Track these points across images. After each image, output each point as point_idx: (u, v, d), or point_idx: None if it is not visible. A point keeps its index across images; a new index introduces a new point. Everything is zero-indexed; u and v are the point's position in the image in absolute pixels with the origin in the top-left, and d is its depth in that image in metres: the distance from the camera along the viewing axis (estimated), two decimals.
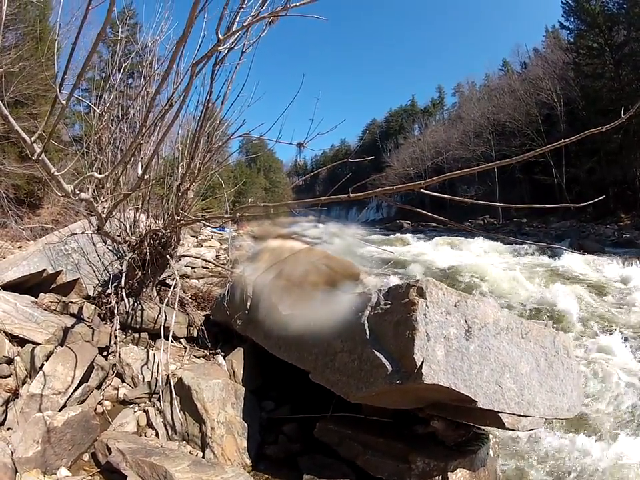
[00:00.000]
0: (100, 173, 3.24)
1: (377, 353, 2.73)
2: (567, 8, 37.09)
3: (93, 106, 4.36)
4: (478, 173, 46.31)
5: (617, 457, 3.74)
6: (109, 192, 4.07)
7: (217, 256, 11.51)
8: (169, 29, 4.68)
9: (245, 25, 2.66)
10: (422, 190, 2.28)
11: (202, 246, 12.39)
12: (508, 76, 51.97)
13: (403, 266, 11.55)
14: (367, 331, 2.89)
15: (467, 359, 2.62)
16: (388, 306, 2.87)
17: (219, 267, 5.83)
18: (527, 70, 47.09)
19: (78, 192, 2.49)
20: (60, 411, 3.11)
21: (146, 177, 3.81)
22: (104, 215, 3.63)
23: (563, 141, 2.24)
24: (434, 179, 2.39)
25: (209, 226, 6.17)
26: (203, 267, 7.62)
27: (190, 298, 5.34)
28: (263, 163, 70.07)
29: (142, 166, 4.32)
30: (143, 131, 3.31)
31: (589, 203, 2.52)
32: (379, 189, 2.65)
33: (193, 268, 7.49)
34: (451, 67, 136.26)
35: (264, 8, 2.88)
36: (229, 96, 4.47)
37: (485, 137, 46.09)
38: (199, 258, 6.65)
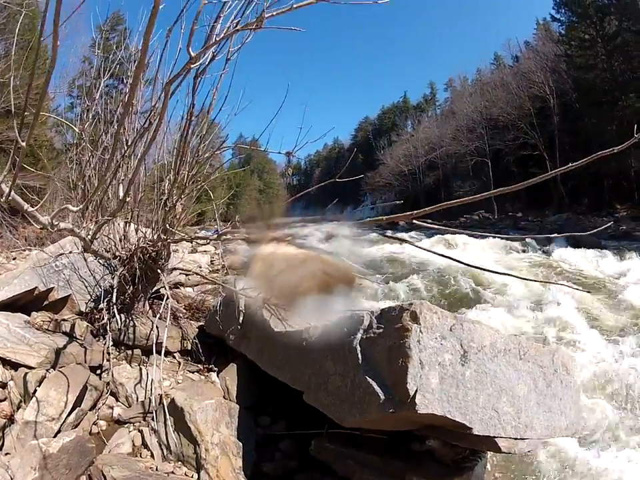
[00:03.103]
0: (84, 195, 3.19)
1: (370, 380, 2.67)
2: (558, 0, 37.10)
3: (73, 126, 4.30)
4: (472, 167, 46.46)
5: (616, 466, 3.72)
6: (93, 213, 4.02)
7: (211, 261, 11.44)
8: (154, 36, 4.62)
9: (217, 39, 2.60)
10: (414, 220, 2.23)
11: (197, 251, 12.29)
12: (500, 70, 52.04)
13: (399, 267, 11.48)
14: (359, 356, 2.82)
15: (462, 385, 2.56)
16: (381, 330, 2.80)
17: (210, 280, 5.78)
18: (519, 63, 47.06)
19: (56, 223, 2.44)
20: (55, 436, 3.11)
21: (128, 199, 3.75)
22: (89, 238, 3.58)
23: (581, 162, 2.17)
24: (426, 209, 2.33)
25: (199, 244, 6.10)
26: (196, 274, 7.56)
27: (184, 308, 5.31)
28: (256, 164, 70.16)
29: (123, 188, 4.27)
30: (117, 154, 3.25)
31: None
32: (368, 218, 2.60)
33: (187, 275, 7.42)
34: (441, 62, 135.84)
35: (242, 19, 2.82)
36: (215, 105, 4.41)
37: (478, 131, 46.01)
38: (189, 272, 6.61)
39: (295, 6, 2.22)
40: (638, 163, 26.96)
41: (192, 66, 2.50)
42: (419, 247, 3.27)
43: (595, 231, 2.75)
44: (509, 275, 2.88)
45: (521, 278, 3.01)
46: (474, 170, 46.76)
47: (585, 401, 4.48)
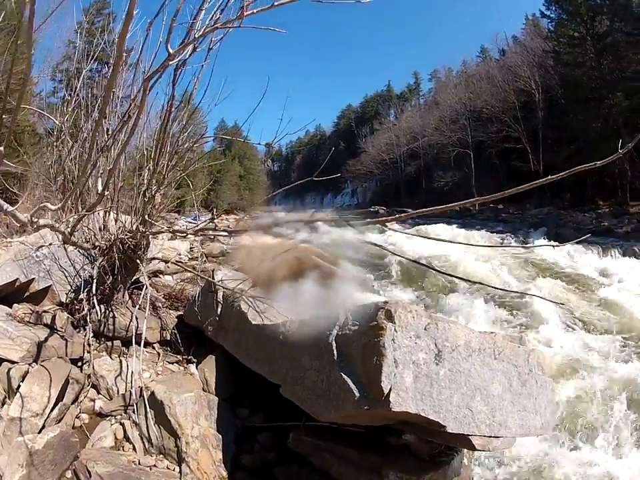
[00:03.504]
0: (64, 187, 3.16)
1: (345, 377, 2.69)
2: None
3: (53, 119, 4.26)
4: (454, 158, 46.50)
5: (591, 463, 3.82)
6: (73, 205, 3.99)
7: (191, 248, 11.33)
8: (137, 22, 4.55)
9: (196, 36, 2.59)
10: (389, 226, 2.25)
11: (176, 238, 12.18)
12: (486, 62, 51.99)
13: (377, 257, 11.44)
14: (335, 352, 2.85)
15: (436, 384, 2.59)
16: (356, 327, 2.83)
17: (189, 270, 5.76)
18: (506, 57, 46.99)
19: (36, 220, 2.43)
20: (39, 432, 3.13)
21: (107, 192, 3.73)
22: (68, 231, 3.56)
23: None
24: (402, 215, 2.36)
25: (177, 236, 6.07)
26: (175, 264, 7.51)
27: (163, 298, 5.30)
28: (237, 150, 69.45)
29: (102, 181, 4.24)
30: (97, 140, 3.22)
31: None
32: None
33: (166, 262, 7.38)
34: (427, 54, 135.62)
35: (223, 14, 2.79)
36: (196, 95, 4.38)
37: (461, 122, 45.90)
38: (168, 261, 6.58)
39: (276, 4, 2.21)
40: (622, 161, 27.06)
41: (170, 62, 2.48)
42: (396, 254, 3.30)
43: (577, 241, 2.80)
44: (480, 283, 2.91)
45: (491, 287, 3.05)
46: (456, 161, 46.69)
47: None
